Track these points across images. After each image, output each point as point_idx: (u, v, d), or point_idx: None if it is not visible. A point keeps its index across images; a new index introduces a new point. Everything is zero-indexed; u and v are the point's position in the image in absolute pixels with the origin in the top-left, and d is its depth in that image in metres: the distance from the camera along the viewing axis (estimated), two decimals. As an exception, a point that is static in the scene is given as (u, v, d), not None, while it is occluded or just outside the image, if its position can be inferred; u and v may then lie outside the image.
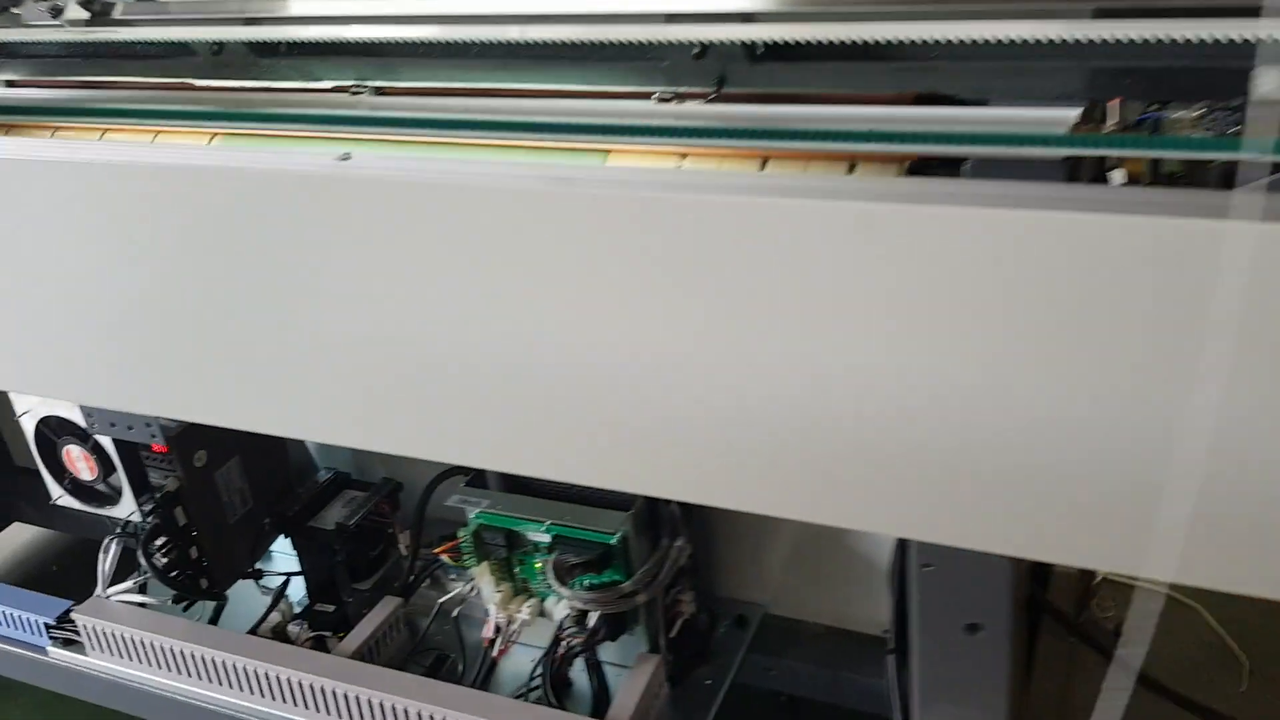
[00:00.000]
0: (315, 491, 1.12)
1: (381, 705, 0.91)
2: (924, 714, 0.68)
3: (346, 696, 0.93)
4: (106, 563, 1.08)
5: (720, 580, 1.01)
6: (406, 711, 0.90)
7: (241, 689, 0.99)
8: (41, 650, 1.10)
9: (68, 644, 1.09)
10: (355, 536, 1.08)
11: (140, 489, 0.97)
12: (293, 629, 1.05)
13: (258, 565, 1.11)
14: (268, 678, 0.96)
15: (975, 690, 0.66)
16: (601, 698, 0.93)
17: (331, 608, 1.07)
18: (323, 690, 0.94)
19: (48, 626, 1.08)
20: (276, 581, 1.10)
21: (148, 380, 0.77)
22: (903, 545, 0.83)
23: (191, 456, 1.01)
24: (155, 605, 1.04)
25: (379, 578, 1.12)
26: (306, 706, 0.95)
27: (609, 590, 0.90)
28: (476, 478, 1.00)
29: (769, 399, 0.56)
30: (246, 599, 1.10)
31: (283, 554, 1.15)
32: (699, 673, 0.98)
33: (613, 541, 0.91)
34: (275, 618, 1.06)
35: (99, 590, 1.08)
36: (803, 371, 0.55)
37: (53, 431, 1.04)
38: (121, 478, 0.96)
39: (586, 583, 0.91)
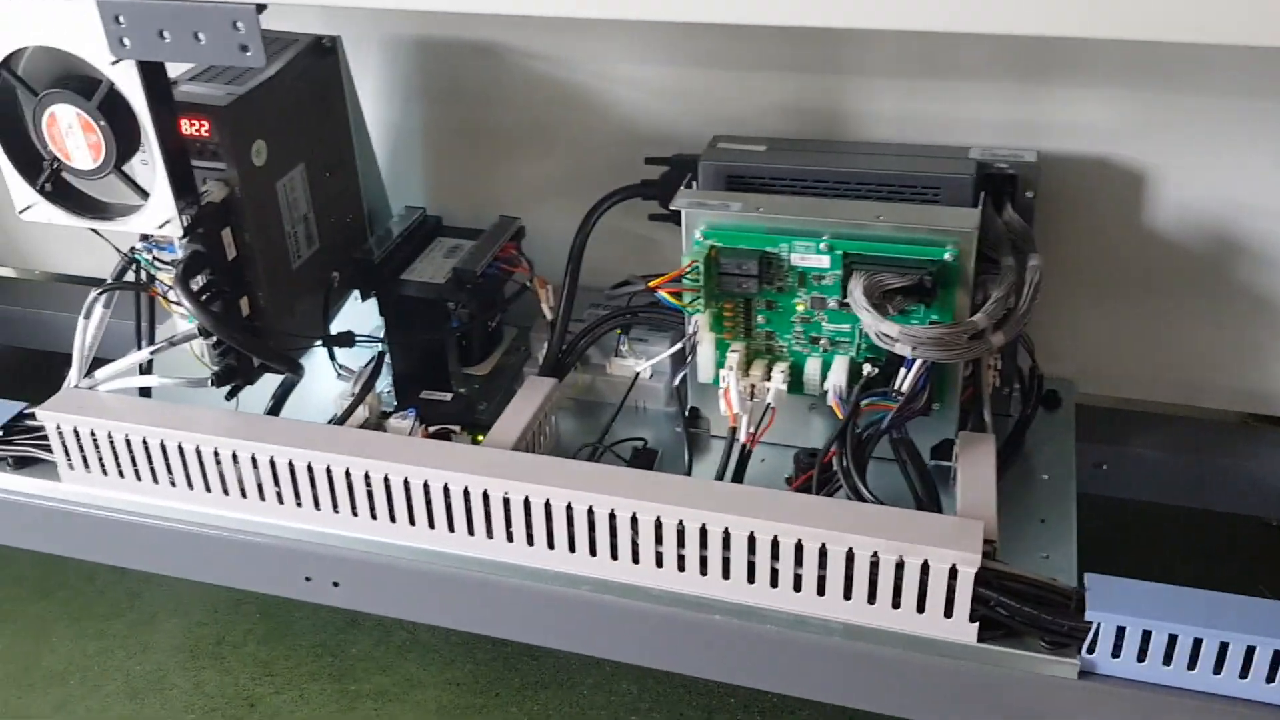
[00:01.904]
0: (399, 238, 0.76)
1: (664, 521, 0.58)
2: None
3: (593, 512, 0.59)
4: (89, 331, 0.69)
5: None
6: (708, 528, 0.57)
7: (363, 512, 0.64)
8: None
9: (20, 464, 0.71)
10: (479, 294, 0.73)
11: (179, 190, 0.59)
12: (397, 423, 0.70)
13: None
14: (423, 489, 0.61)
15: None
16: (926, 493, 0.62)
17: (447, 396, 0.72)
18: (551, 505, 0.59)
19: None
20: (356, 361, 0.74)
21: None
22: None
23: (249, 147, 0.64)
24: (178, 386, 0.68)
25: (496, 363, 0.78)
26: (489, 534, 0.61)
27: (953, 329, 0.59)
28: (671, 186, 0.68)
29: None
30: (302, 391, 0.74)
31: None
32: (1019, 465, 0.69)
33: (947, 255, 0.60)
34: (362, 413, 0.70)
35: (73, 378, 0.70)
36: None
37: (26, 81, 0.58)
38: (154, 154, 0.57)
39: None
